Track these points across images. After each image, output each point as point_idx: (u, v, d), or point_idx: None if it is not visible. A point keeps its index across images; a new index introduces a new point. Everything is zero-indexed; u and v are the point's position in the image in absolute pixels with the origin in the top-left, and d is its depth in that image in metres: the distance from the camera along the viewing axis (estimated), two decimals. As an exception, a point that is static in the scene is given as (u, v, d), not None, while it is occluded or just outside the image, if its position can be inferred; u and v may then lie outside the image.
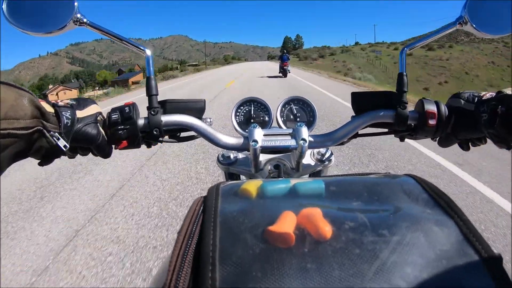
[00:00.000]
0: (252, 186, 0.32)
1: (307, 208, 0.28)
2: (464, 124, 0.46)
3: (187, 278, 0.24)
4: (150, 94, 0.47)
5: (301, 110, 0.61)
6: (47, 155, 0.38)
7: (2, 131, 0.30)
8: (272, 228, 0.26)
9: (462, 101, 0.47)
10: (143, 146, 0.50)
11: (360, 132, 0.53)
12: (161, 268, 0.36)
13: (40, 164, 0.39)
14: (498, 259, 0.23)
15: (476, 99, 0.46)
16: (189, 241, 0.26)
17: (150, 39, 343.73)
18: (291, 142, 0.49)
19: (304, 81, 12.53)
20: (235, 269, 0.23)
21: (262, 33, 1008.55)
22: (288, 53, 15.52)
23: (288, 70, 14.55)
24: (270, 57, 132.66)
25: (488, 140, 0.46)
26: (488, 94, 0.45)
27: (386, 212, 0.28)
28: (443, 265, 0.23)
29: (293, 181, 0.33)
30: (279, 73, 15.32)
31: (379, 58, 47.76)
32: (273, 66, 32.31)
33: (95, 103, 0.46)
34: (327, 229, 0.26)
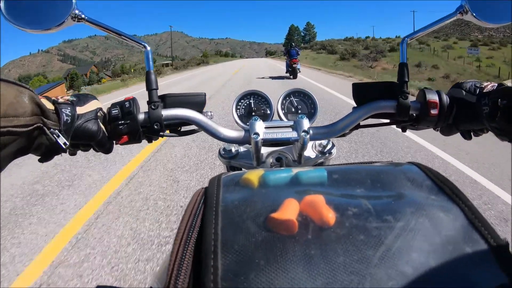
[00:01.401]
0: (254, 175, 0.32)
1: (310, 195, 0.28)
2: (465, 116, 0.46)
3: (189, 268, 0.23)
4: (150, 88, 0.47)
5: (302, 102, 0.60)
6: (47, 152, 0.38)
7: (1, 129, 0.29)
8: (274, 215, 0.26)
9: (464, 92, 0.46)
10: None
11: (362, 123, 0.53)
12: (164, 259, 0.36)
13: (40, 161, 0.39)
14: (505, 244, 0.23)
15: (478, 90, 0.45)
16: (190, 232, 0.26)
17: (145, 35, 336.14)
18: (292, 134, 0.48)
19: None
20: (237, 257, 0.22)
21: (259, 29, 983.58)
22: (296, 46, 11.35)
23: (298, 69, 10.71)
24: (270, 53, 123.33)
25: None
26: (489, 86, 0.44)
27: (390, 199, 0.28)
28: (448, 250, 0.22)
29: (295, 170, 0.33)
30: (286, 72, 11.53)
31: (478, 59, 27.72)
32: (274, 63, 28.22)
33: (95, 98, 0.45)
34: (330, 216, 0.25)
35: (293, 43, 11.76)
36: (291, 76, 10.77)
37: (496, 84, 0.43)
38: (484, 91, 0.43)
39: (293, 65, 10.36)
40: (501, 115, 0.38)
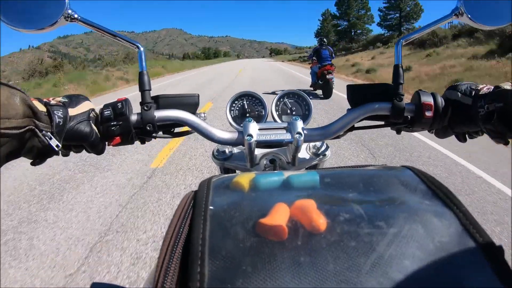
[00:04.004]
0: (244, 179, 0.32)
1: (301, 200, 0.27)
2: (460, 118, 0.46)
3: (176, 274, 0.23)
4: (143, 89, 0.47)
5: (296, 104, 0.60)
6: (39, 155, 0.38)
7: None
8: (264, 220, 0.25)
9: (459, 94, 0.46)
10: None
11: (356, 125, 0.53)
12: (154, 267, 0.36)
13: (32, 163, 0.39)
14: (499, 250, 0.23)
15: (474, 92, 0.45)
16: (178, 237, 0.26)
17: (143, 32, 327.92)
18: (286, 136, 0.48)
19: None
20: (224, 263, 0.22)
21: (259, 27, 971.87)
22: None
23: (333, 83, 5.98)
24: (275, 52, 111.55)
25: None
26: (485, 88, 0.44)
27: (383, 204, 0.27)
28: (442, 257, 0.22)
29: (287, 174, 0.32)
30: (311, 86, 6.81)
31: None
32: (283, 67, 19.82)
33: (87, 99, 0.45)
34: (321, 221, 0.25)
35: (325, 39, 6.76)
36: (319, 92, 6.32)
37: (493, 87, 0.43)
38: (480, 93, 0.43)
39: (327, 75, 5.83)
40: (497, 118, 0.39)
